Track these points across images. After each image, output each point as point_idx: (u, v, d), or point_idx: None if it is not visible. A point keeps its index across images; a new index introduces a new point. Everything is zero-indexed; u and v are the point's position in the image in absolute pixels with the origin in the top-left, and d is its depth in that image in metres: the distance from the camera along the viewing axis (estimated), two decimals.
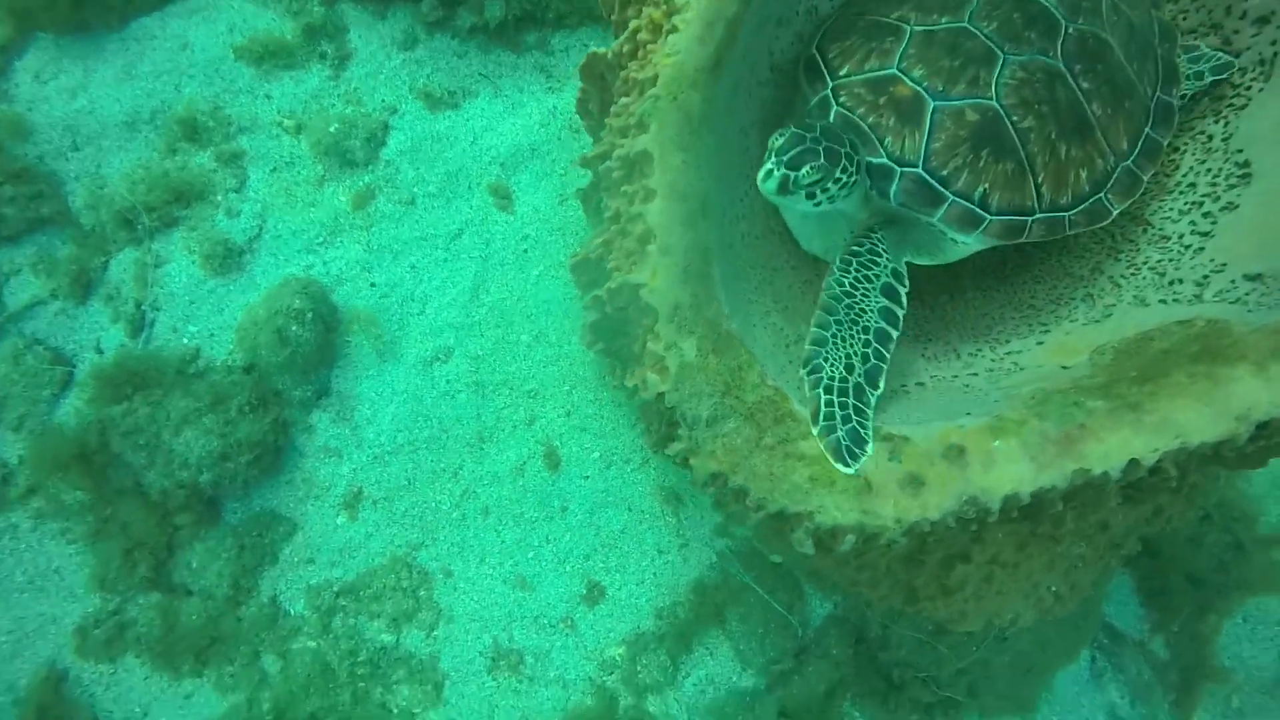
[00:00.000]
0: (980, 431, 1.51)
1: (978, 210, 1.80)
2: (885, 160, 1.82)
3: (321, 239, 3.08)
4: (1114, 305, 1.84)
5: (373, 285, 3.08)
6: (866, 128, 1.83)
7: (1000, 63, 1.78)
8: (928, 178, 1.79)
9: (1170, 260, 1.79)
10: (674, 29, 1.54)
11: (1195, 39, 1.96)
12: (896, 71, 1.79)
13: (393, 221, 3.14)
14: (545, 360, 3.14)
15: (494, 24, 3.16)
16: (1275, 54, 1.76)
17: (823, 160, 1.69)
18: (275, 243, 3.05)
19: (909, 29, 1.79)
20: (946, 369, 1.88)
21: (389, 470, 2.97)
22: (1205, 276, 1.69)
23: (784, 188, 1.71)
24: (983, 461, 1.47)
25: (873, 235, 1.83)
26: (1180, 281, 1.72)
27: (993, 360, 1.87)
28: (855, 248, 1.80)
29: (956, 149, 1.79)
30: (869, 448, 1.63)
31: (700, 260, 1.62)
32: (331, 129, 3.02)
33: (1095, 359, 1.66)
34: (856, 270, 1.77)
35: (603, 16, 3.09)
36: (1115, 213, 1.85)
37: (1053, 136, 1.80)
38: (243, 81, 3.10)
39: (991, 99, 1.78)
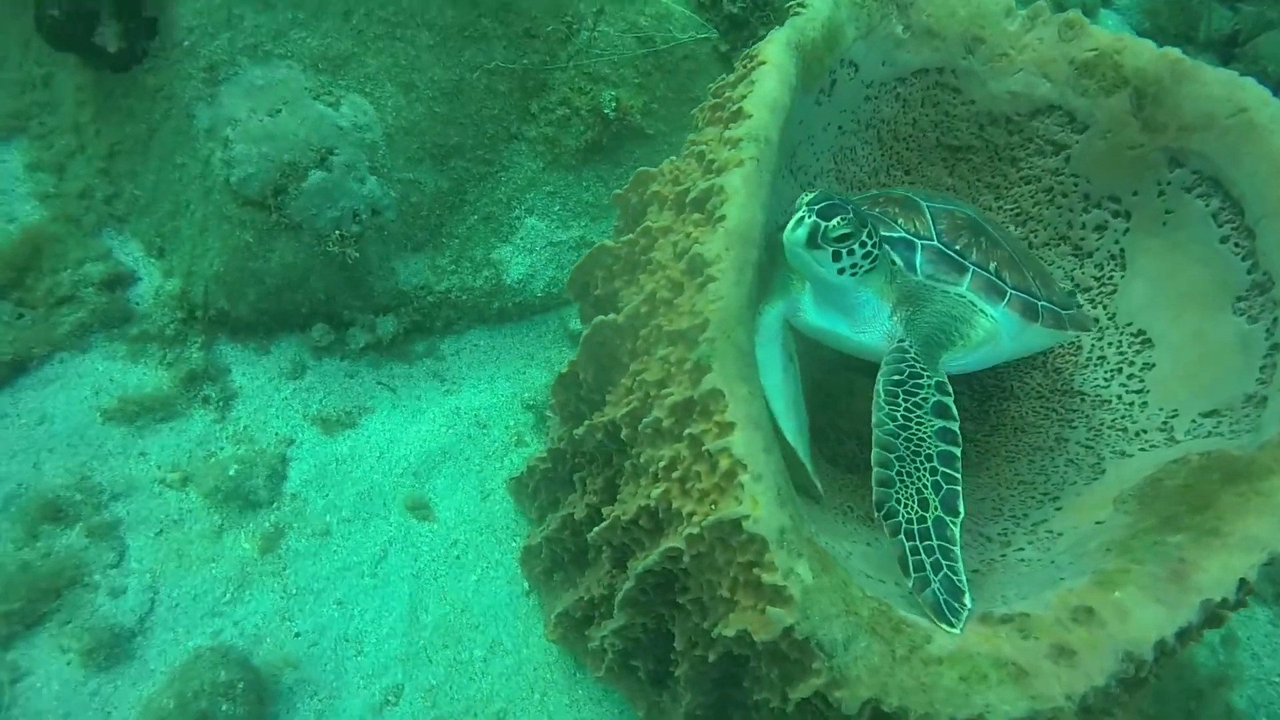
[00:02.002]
0: (1093, 589, 1.56)
1: (998, 280, 1.88)
2: (904, 234, 1.90)
3: (228, 596, 2.67)
4: (1099, 462, 2.02)
5: (297, 635, 2.67)
6: (878, 213, 1.96)
7: (960, 204, 2.09)
8: (946, 249, 1.89)
9: (1123, 417, 2.04)
10: (710, 279, 1.66)
11: (1049, 250, 2.42)
12: (884, 192, 2.08)
13: (308, 558, 2.81)
14: (506, 672, 2.82)
15: (387, 340, 3.17)
16: (1121, 249, 2.23)
17: (852, 218, 1.70)
18: (172, 614, 2.59)
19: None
20: (992, 552, 1.95)
21: None
22: (1165, 422, 1.94)
23: (813, 239, 1.70)
24: (1117, 615, 1.50)
25: (906, 356, 1.78)
26: (1145, 431, 1.97)
27: (1028, 535, 1.96)
28: (895, 376, 1.76)
29: (959, 232, 1.93)
30: (967, 598, 1.60)
31: (785, 483, 1.63)
32: (230, 472, 2.75)
33: (1122, 508, 1.81)
34: (904, 400, 1.71)
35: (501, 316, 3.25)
36: (1093, 328, 2.10)
37: (1017, 249, 2.03)
38: (113, 443, 2.79)
39: (971, 212, 2.02)
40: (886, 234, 1.90)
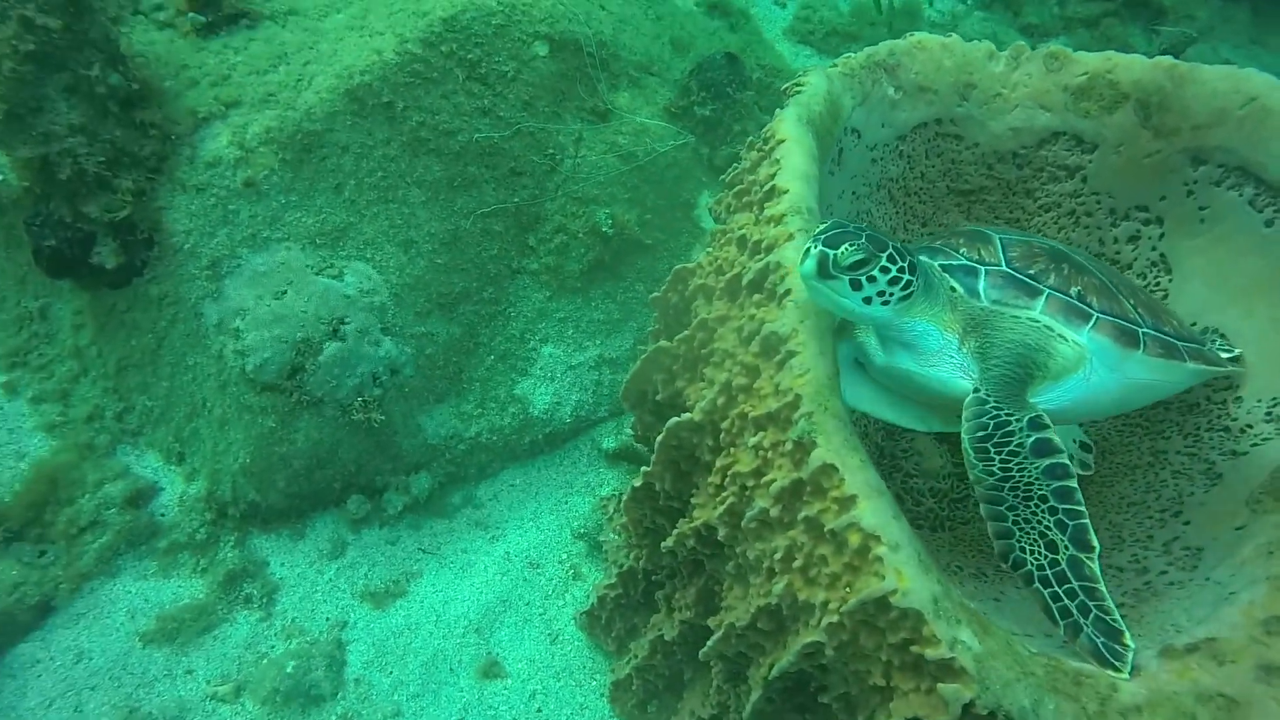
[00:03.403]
0: (1277, 596, 1.45)
1: (1080, 304, 1.72)
2: (966, 260, 1.77)
3: None
4: (1210, 468, 1.92)
5: None
6: (940, 246, 1.84)
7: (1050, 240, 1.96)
8: (1015, 273, 1.74)
9: (1220, 417, 1.94)
10: (790, 354, 1.60)
11: None
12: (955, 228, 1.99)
13: None
14: None
15: (424, 498, 3.05)
16: (1160, 254, 2.19)
17: (864, 242, 1.58)
18: None
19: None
20: (1131, 581, 1.82)
21: None
22: (1269, 412, 1.83)
23: (824, 270, 1.56)
24: None
25: (985, 406, 1.64)
26: (1250, 427, 1.86)
27: (1164, 556, 1.83)
28: (979, 433, 1.62)
29: (1035, 259, 1.78)
30: (1128, 638, 1.46)
31: (922, 548, 1.51)
32: (288, 669, 2.55)
33: (1260, 508, 1.69)
34: (996, 452, 1.59)
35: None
36: (1225, 368, 1.85)
37: (1120, 283, 1.84)
38: (156, 667, 2.58)
39: (1049, 243, 1.87)
40: (946, 262, 1.81)
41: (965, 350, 1.78)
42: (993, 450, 1.61)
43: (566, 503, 3.26)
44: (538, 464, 3.34)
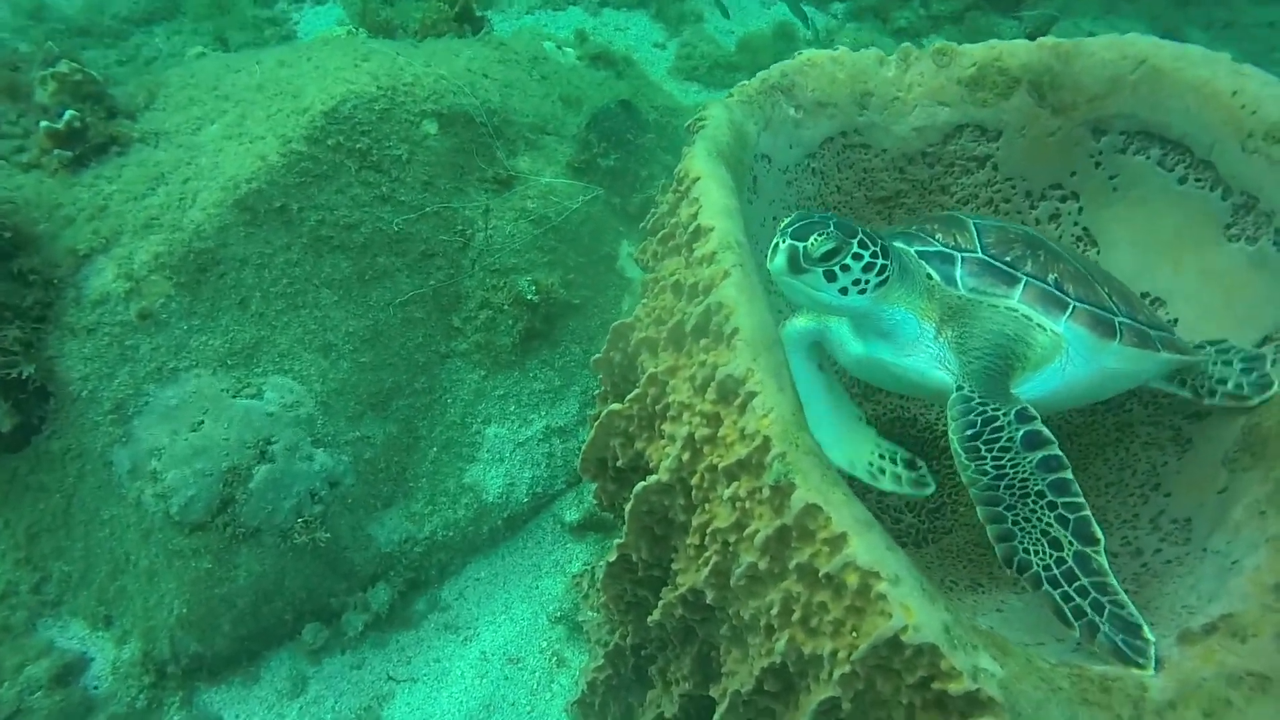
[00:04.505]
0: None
1: (1057, 293, 1.67)
2: (941, 247, 1.72)
3: None
4: (1177, 434, 1.89)
5: None
6: (913, 231, 1.77)
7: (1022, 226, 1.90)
8: (992, 260, 1.69)
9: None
10: (750, 395, 1.51)
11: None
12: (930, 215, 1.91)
13: None
14: None
15: (385, 612, 2.84)
16: (1083, 228, 2.17)
17: (833, 229, 1.53)
18: None
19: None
20: (1130, 566, 1.74)
21: None
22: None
23: (795, 264, 1.54)
24: None
25: (971, 403, 1.57)
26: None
27: (1153, 533, 1.75)
28: (968, 431, 1.54)
29: (1011, 245, 1.73)
30: (1147, 631, 1.39)
31: (922, 575, 1.42)
32: None
33: (1237, 466, 1.66)
34: (987, 449, 1.52)
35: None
36: (1197, 357, 1.76)
37: (1094, 271, 1.77)
38: None
39: (1024, 229, 1.81)
40: (922, 248, 1.73)
41: (942, 339, 1.73)
42: (984, 448, 1.54)
43: (537, 587, 3.10)
44: (501, 552, 3.17)
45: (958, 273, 1.70)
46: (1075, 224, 2.22)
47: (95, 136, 2.79)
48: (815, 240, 1.54)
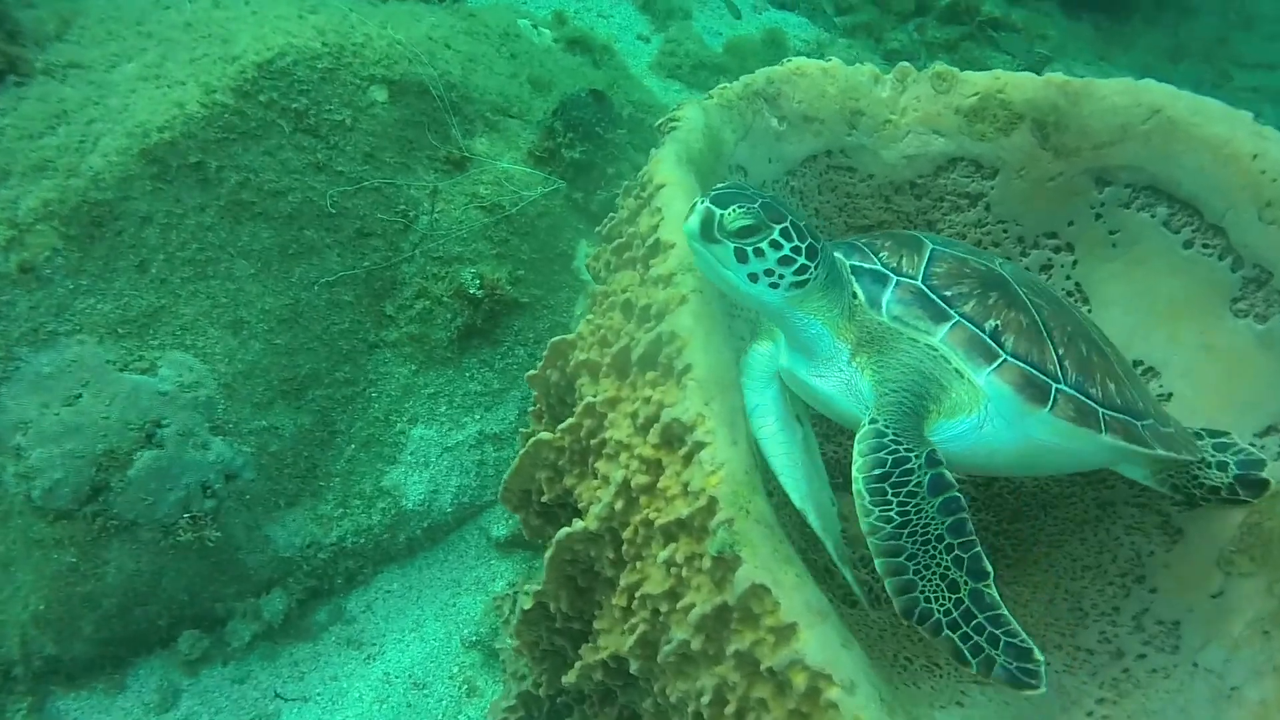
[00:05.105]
0: None
1: (990, 342, 1.49)
2: (879, 267, 1.56)
3: None
4: (1166, 521, 1.72)
5: None
6: (861, 245, 1.61)
7: (1000, 263, 1.67)
8: (928, 291, 1.52)
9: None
10: (698, 445, 1.29)
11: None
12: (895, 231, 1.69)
13: None
14: None
15: (279, 622, 2.57)
16: (1075, 283, 2.00)
17: (758, 208, 1.39)
18: None
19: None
20: (1108, 669, 1.57)
21: None
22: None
23: (707, 229, 1.38)
24: None
25: (884, 439, 1.43)
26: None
27: (1135, 633, 1.58)
28: (877, 470, 1.40)
29: (960, 280, 1.55)
30: (1037, 653, 1.31)
31: (875, 674, 1.23)
32: None
33: (1234, 570, 1.47)
34: (894, 493, 1.39)
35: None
36: (1157, 450, 1.52)
37: (1068, 329, 1.56)
38: None
39: (995, 266, 1.62)
40: (858, 263, 1.57)
41: (855, 365, 1.56)
42: (891, 492, 1.40)
43: (454, 605, 2.85)
44: (417, 563, 2.92)
45: (885, 296, 1.53)
46: (1068, 277, 2.05)
47: None
48: (733, 211, 1.39)
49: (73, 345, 2.31)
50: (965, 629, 1.34)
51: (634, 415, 1.44)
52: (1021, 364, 1.50)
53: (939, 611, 1.35)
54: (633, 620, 1.43)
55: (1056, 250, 2.06)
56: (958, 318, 1.51)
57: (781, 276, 1.45)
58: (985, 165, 2.06)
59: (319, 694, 2.60)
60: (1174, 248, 1.86)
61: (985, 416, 1.52)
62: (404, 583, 2.88)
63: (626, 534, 1.42)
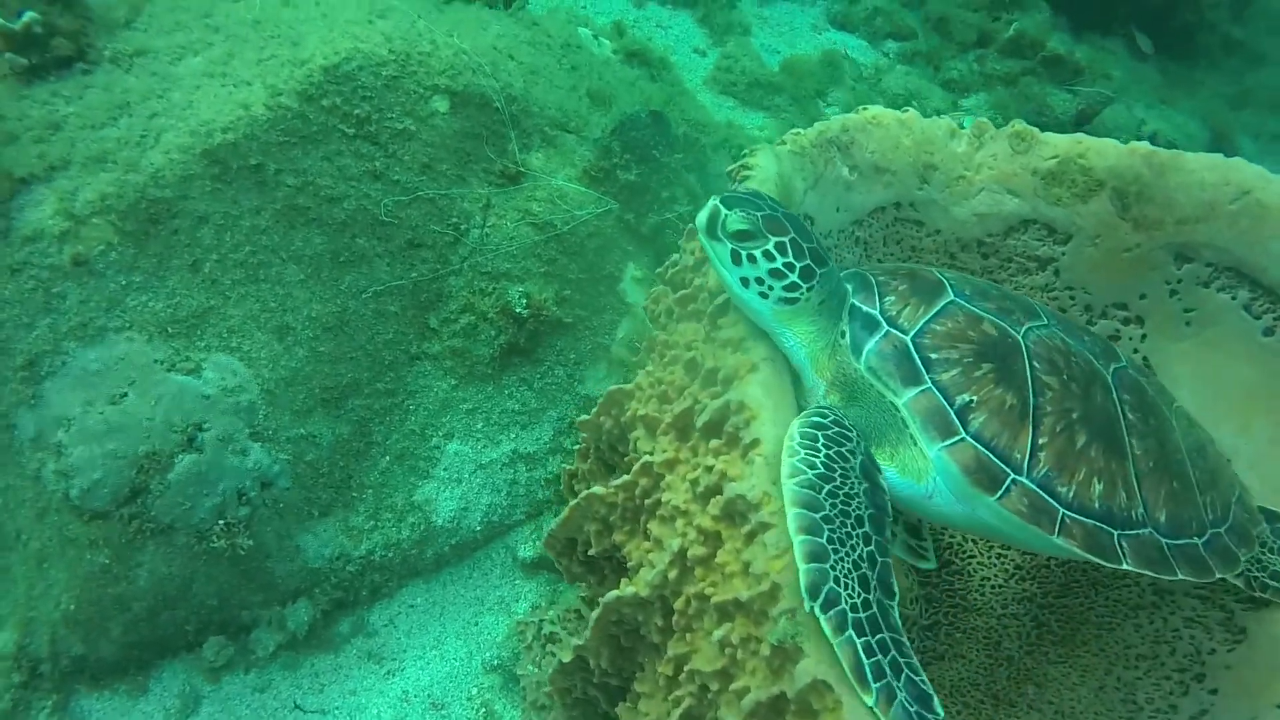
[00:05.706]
0: None
1: (953, 418, 1.43)
2: (875, 312, 1.53)
3: None
4: (1230, 618, 1.66)
5: None
6: (876, 280, 1.57)
7: (1044, 322, 1.57)
8: (913, 349, 1.48)
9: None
10: (763, 527, 1.26)
11: None
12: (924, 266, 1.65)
13: None
14: None
15: (303, 632, 2.56)
16: (1143, 358, 1.93)
17: (759, 217, 1.44)
18: None
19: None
20: None
21: None
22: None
23: (711, 225, 1.45)
24: None
25: (830, 410, 1.43)
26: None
27: None
28: (815, 419, 1.37)
29: (957, 343, 1.49)
30: (937, 704, 1.21)
31: None
32: None
33: None
34: (826, 445, 1.34)
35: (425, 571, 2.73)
36: (1124, 564, 1.43)
37: (1074, 415, 1.47)
38: None
39: (1017, 334, 1.53)
40: (858, 304, 1.55)
41: (827, 402, 1.54)
42: (822, 441, 1.35)
43: (477, 624, 2.83)
44: (442, 579, 2.90)
45: (868, 345, 1.50)
46: (1135, 350, 1.99)
47: (59, 48, 2.45)
48: (735, 214, 1.45)
49: (121, 342, 2.31)
50: (870, 639, 1.22)
51: (694, 482, 1.40)
52: (979, 446, 1.43)
53: (846, 604, 1.24)
54: (678, 692, 1.39)
55: (1125, 322, 2.00)
56: (929, 384, 1.46)
57: (770, 288, 1.46)
58: (1059, 230, 2.00)
59: (337, 708, 2.59)
60: (1253, 333, 1.80)
61: (934, 486, 1.48)
62: (428, 598, 2.87)
63: (678, 604, 1.38)
